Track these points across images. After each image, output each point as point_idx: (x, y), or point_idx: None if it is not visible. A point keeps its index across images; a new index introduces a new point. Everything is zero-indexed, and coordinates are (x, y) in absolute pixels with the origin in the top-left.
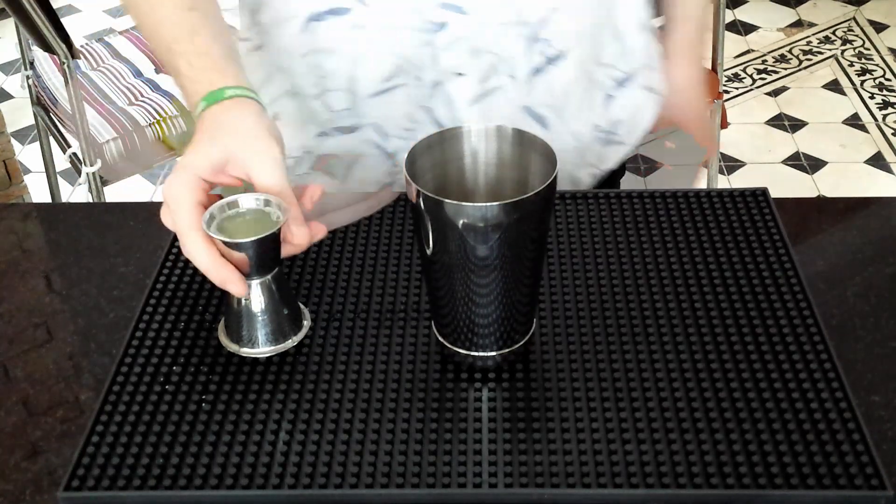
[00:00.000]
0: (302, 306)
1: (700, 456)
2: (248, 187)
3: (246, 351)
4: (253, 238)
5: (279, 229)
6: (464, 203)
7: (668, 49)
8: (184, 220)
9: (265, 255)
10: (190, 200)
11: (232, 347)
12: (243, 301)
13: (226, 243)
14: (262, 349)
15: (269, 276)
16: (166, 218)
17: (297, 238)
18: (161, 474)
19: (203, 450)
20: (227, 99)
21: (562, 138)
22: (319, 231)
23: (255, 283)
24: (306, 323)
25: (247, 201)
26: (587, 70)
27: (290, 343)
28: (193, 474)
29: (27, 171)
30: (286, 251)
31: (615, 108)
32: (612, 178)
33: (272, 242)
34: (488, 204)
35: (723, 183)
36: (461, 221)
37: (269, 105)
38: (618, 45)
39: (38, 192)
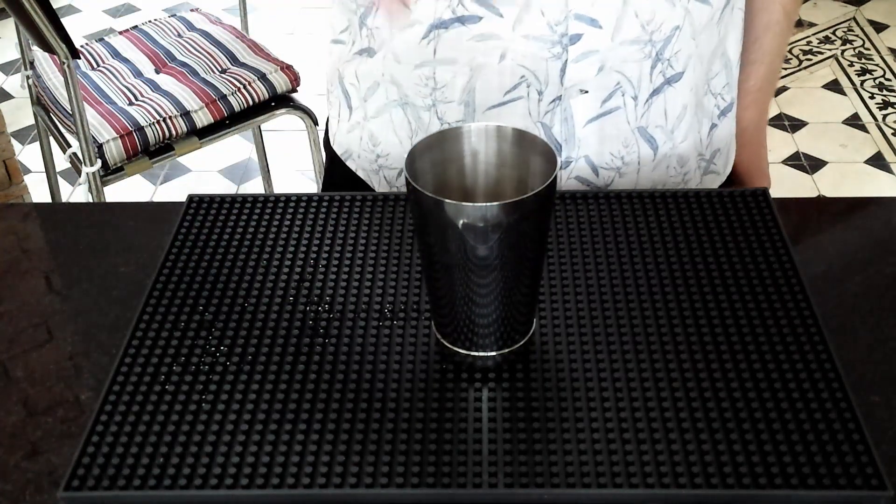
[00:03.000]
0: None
1: (700, 456)
2: None
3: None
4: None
5: None
6: (464, 203)
7: (740, 89)
8: None
9: None
10: None
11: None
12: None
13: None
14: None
15: None
16: None
17: None
18: (161, 474)
19: (203, 450)
20: None
21: (668, 161)
22: None
23: None
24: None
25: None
26: (698, 96)
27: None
28: (193, 474)
29: (27, 171)
30: None
31: (717, 136)
32: None
33: None
34: (488, 204)
35: None
36: (461, 221)
37: (376, 114)
38: (725, 74)
39: (38, 192)
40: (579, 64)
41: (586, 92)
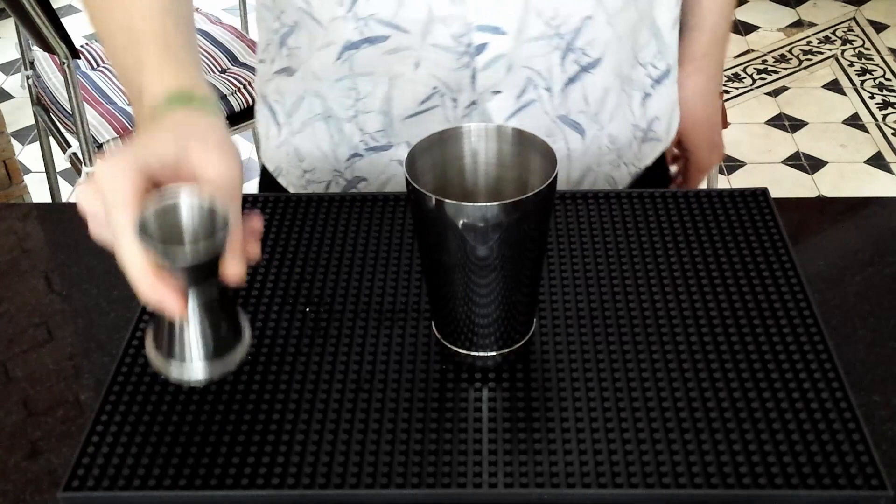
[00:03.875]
0: (244, 321)
1: (700, 456)
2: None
3: (176, 371)
4: (194, 246)
5: (224, 236)
6: (464, 203)
7: (681, 56)
8: (120, 217)
9: (207, 265)
10: (132, 192)
11: (158, 364)
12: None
13: (162, 251)
14: (195, 370)
15: (207, 288)
16: (89, 203)
17: (231, 270)
18: (161, 474)
19: (203, 450)
20: (194, 103)
21: (599, 142)
22: (255, 252)
23: (192, 296)
24: (246, 341)
25: (187, 202)
26: (623, 73)
27: (230, 363)
28: (193, 474)
29: (27, 171)
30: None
31: (653, 105)
32: (654, 179)
33: (214, 251)
34: (488, 204)
35: (723, 183)
36: (461, 221)
37: (301, 128)
38: (655, 43)
39: (38, 192)
40: (488, 70)
41: (499, 92)
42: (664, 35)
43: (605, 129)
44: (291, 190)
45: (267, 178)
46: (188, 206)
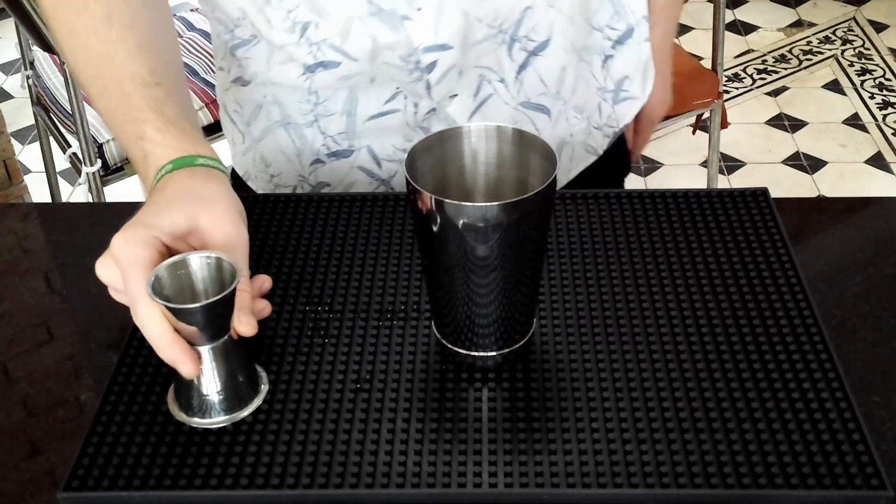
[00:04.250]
0: (259, 368)
1: (700, 456)
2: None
3: (197, 421)
4: (205, 302)
5: (232, 291)
6: (464, 203)
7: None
8: (136, 287)
9: (218, 319)
10: (147, 262)
11: (181, 417)
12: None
13: (175, 310)
14: (216, 419)
15: (221, 341)
16: (106, 273)
17: (243, 327)
18: (161, 474)
19: (203, 450)
20: (199, 166)
21: (566, 117)
22: (265, 309)
23: (207, 350)
24: (264, 387)
25: (196, 261)
26: (577, 45)
27: (247, 411)
28: (193, 474)
29: (27, 171)
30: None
31: (618, 65)
32: (617, 176)
33: (225, 306)
34: (488, 204)
35: (723, 183)
36: (461, 221)
37: (261, 136)
38: (610, 5)
39: (38, 192)
40: (441, 82)
41: (456, 95)
42: None
43: (569, 102)
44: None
45: (238, 183)
46: (197, 262)
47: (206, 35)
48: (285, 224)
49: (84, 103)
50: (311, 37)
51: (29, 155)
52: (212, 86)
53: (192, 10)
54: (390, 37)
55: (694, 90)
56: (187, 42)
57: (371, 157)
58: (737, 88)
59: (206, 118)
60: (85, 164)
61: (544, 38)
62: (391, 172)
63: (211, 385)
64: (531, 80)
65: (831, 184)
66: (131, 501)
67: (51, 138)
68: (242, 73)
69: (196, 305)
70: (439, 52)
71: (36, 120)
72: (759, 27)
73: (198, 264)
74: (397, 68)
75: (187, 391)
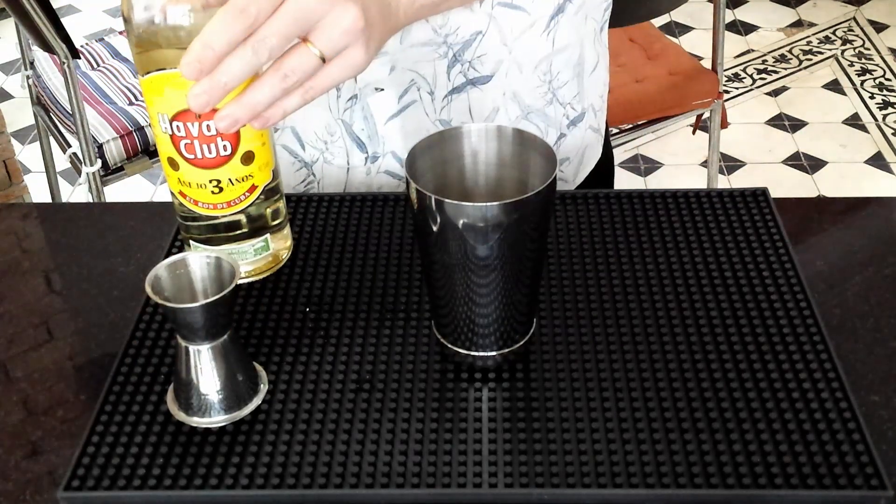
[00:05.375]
0: (259, 367)
1: (700, 456)
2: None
3: (196, 421)
4: (205, 301)
5: (232, 290)
6: (464, 203)
7: None
8: None
9: (217, 318)
10: None
11: (181, 417)
12: (193, 368)
13: (174, 309)
14: (216, 418)
15: (220, 341)
16: None
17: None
18: (161, 474)
19: (203, 450)
20: None
21: None
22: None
23: (206, 348)
24: (263, 387)
25: (196, 260)
26: (524, 100)
27: (247, 410)
28: (193, 474)
29: (27, 171)
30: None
31: (565, 146)
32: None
33: (225, 305)
34: (488, 204)
35: (723, 183)
36: (461, 221)
37: None
38: (575, 86)
39: (38, 192)
40: (468, 50)
41: (382, 90)
42: (585, 77)
43: None
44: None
45: None
46: (197, 261)
47: (128, 63)
48: None
49: (84, 103)
50: None
51: (29, 155)
52: (129, 116)
53: (120, 33)
54: None
55: (694, 90)
56: (108, 69)
57: (295, 136)
58: (737, 88)
59: (118, 151)
60: (85, 164)
61: (488, 72)
62: (313, 157)
63: (210, 384)
64: (460, 105)
65: (831, 184)
66: (131, 501)
67: (51, 138)
68: None
69: (195, 305)
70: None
71: (36, 120)
72: (759, 27)
73: (197, 263)
74: (425, 44)
75: (187, 390)
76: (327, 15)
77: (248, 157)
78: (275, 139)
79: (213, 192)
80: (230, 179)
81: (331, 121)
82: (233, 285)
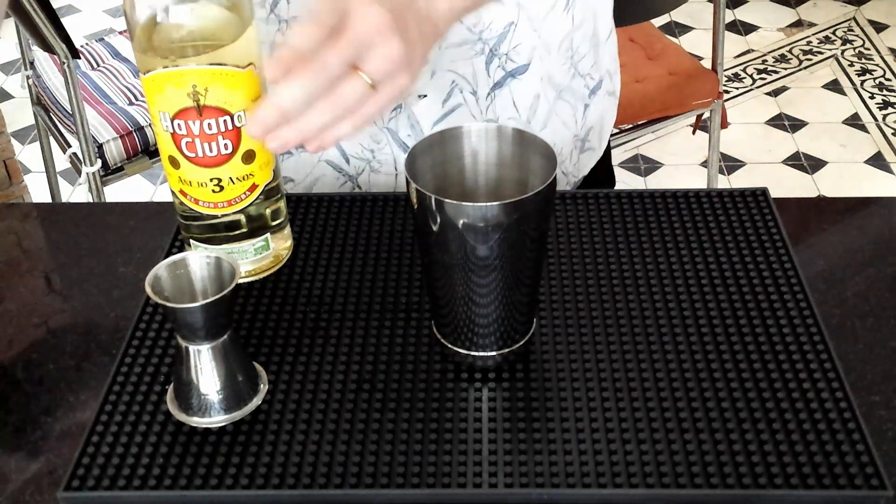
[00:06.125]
0: (259, 367)
1: (700, 456)
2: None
3: (196, 421)
4: (204, 302)
5: (232, 290)
6: (464, 203)
7: None
8: None
9: (217, 318)
10: None
11: (181, 417)
12: (193, 368)
13: (174, 309)
14: (215, 419)
15: (220, 341)
16: None
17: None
18: (161, 474)
19: (203, 450)
20: None
21: None
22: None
23: (206, 349)
24: (263, 387)
25: (196, 260)
26: (557, 82)
27: (246, 410)
28: (193, 474)
29: (27, 171)
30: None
31: (589, 115)
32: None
33: (225, 305)
34: (488, 204)
35: (723, 183)
36: (461, 221)
37: None
38: (592, 56)
39: (38, 192)
40: (503, 42)
41: (425, 96)
42: (600, 46)
43: (539, 135)
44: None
45: None
46: (197, 261)
47: (128, 63)
48: None
49: (84, 103)
50: (280, 13)
51: (29, 155)
52: (129, 116)
53: (120, 33)
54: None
55: (694, 90)
56: (108, 69)
57: (339, 151)
58: (737, 88)
59: (118, 151)
60: (85, 164)
61: (525, 61)
62: (359, 169)
63: (210, 385)
64: (504, 101)
65: (831, 184)
66: (131, 501)
67: (51, 138)
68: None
69: (195, 305)
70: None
71: (36, 120)
72: (759, 27)
73: (197, 263)
74: (461, 44)
75: (187, 391)
76: (375, 46)
77: (250, 156)
78: (319, 156)
79: (213, 191)
80: (231, 178)
81: (376, 131)
82: (233, 285)
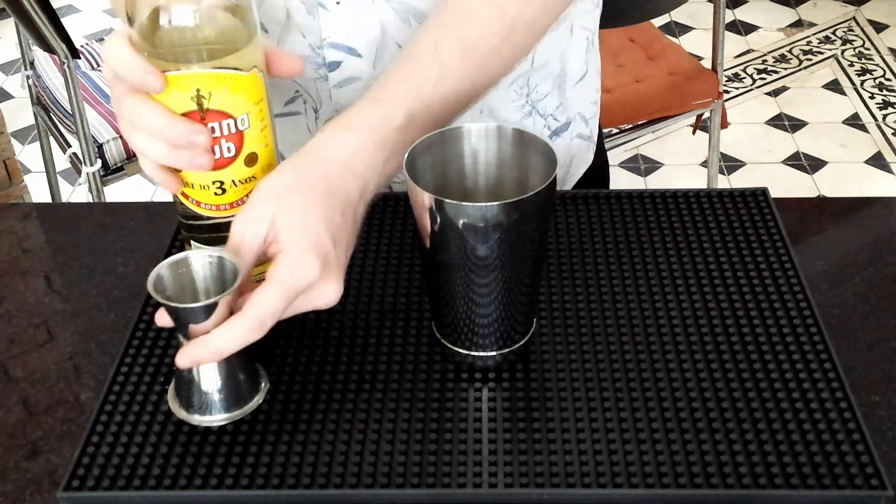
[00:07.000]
0: (259, 367)
1: (700, 456)
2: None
3: (198, 419)
4: (206, 302)
5: (235, 290)
6: (464, 203)
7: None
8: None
9: (220, 318)
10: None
11: (182, 415)
12: (194, 367)
13: (176, 308)
14: (216, 417)
15: None
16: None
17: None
18: (161, 474)
19: (203, 450)
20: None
21: None
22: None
23: None
24: (264, 386)
25: (198, 259)
26: (499, 113)
27: (247, 409)
28: (193, 474)
29: (27, 171)
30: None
31: None
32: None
33: (226, 305)
34: (488, 204)
35: (723, 183)
36: (461, 221)
37: None
38: (556, 98)
39: (38, 192)
40: (343, 89)
41: None
42: (567, 89)
43: None
44: None
45: None
46: (199, 260)
47: None
48: None
49: (84, 103)
50: None
51: (29, 155)
52: None
53: None
54: (303, 18)
55: (694, 90)
56: None
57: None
58: (737, 88)
59: (118, 151)
60: (85, 164)
61: None
62: None
63: (212, 383)
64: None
65: (831, 184)
66: (131, 501)
67: (51, 138)
68: None
69: (198, 305)
70: (346, 54)
71: (36, 120)
72: (759, 27)
73: (199, 263)
74: (303, 58)
75: (188, 389)
76: (311, 288)
77: (252, 159)
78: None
79: (216, 194)
80: (234, 181)
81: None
82: (235, 285)
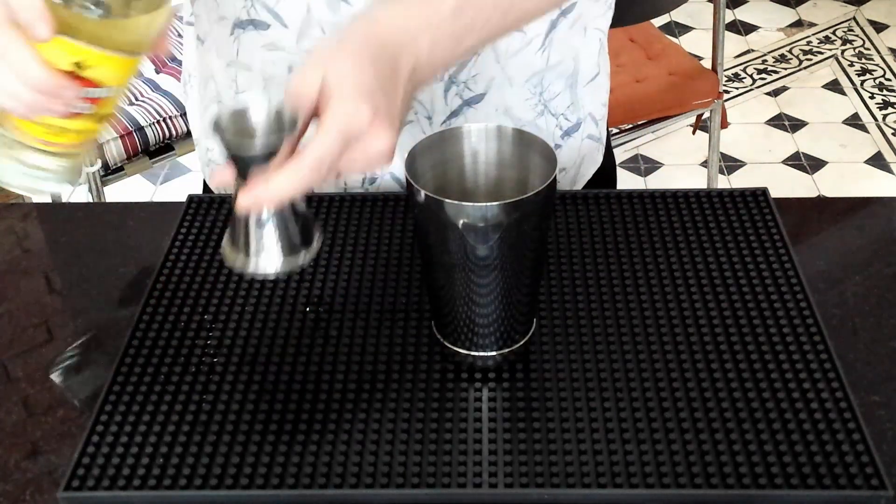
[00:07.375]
0: (314, 220)
1: (700, 456)
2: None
3: (254, 264)
4: (265, 139)
5: (296, 133)
6: (464, 203)
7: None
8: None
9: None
10: None
11: (238, 262)
12: (253, 213)
13: (240, 149)
14: (273, 262)
15: None
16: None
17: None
18: (161, 474)
19: (203, 450)
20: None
21: None
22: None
23: None
24: (318, 236)
25: (256, 109)
26: (515, 112)
27: (304, 258)
28: (193, 474)
29: None
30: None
31: (561, 156)
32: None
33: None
34: (488, 204)
35: (723, 183)
36: (461, 221)
37: (205, 110)
38: (568, 96)
39: None
40: None
41: None
42: (578, 88)
43: None
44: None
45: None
46: (259, 105)
47: (170, 97)
48: None
49: None
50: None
51: None
52: (129, 116)
53: (159, 72)
54: (325, 14)
55: (694, 90)
56: (149, 101)
57: None
58: (737, 88)
59: (118, 151)
60: (85, 164)
61: (481, 90)
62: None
63: (269, 229)
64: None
65: (831, 184)
66: (131, 501)
67: None
68: (200, 30)
69: (254, 140)
70: None
71: None
72: (759, 27)
73: (259, 105)
74: None
75: (245, 234)
76: (363, 136)
77: (101, 118)
78: None
79: (51, 133)
80: (77, 130)
81: None
82: (297, 128)
